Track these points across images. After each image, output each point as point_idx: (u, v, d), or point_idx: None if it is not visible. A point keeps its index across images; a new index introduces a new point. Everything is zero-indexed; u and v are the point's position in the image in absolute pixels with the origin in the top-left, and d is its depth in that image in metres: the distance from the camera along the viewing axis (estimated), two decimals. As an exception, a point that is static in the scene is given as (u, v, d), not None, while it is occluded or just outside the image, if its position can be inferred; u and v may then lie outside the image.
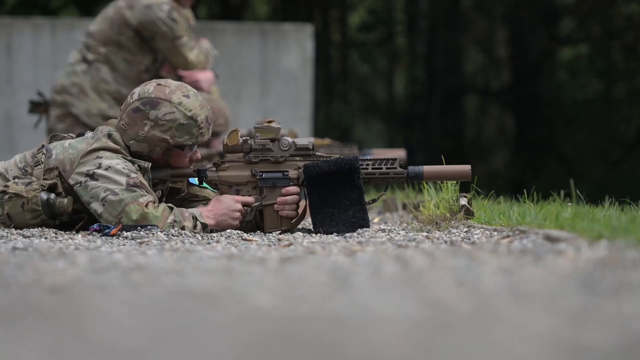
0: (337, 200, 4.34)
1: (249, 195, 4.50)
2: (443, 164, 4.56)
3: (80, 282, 2.63)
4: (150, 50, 6.91)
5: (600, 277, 2.51)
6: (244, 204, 4.47)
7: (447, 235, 4.10)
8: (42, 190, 4.31)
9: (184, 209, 4.36)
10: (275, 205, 4.47)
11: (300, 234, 4.27)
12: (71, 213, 4.36)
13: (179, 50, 6.85)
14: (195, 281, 2.64)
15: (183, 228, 4.27)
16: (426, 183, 4.96)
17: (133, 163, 4.38)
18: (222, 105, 7.35)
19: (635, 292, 2.32)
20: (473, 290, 2.41)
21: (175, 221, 4.27)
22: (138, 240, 3.93)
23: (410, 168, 4.44)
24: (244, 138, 4.50)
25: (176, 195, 4.61)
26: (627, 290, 2.33)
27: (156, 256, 3.32)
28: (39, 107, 7.05)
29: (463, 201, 4.69)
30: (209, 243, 3.88)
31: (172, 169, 4.51)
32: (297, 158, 4.48)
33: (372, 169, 4.44)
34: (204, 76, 7.08)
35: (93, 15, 13.78)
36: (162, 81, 4.49)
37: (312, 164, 4.38)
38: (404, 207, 6.30)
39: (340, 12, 21.51)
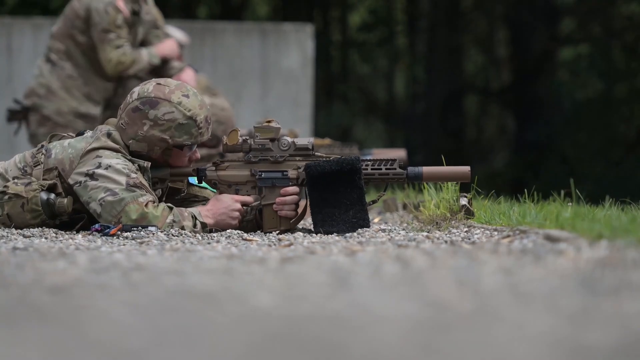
0: (338, 200, 4.34)
1: (248, 195, 4.49)
2: (443, 164, 4.56)
3: (81, 282, 2.63)
4: None
5: (600, 277, 2.51)
6: (243, 204, 4.47)
7: (448, 235, 4.10)
8: (42, 190, 4.31)
9: (183, 209, 4.36)
10: (274, 205, 4.46)
11: (301, 234, 4.27)
12: (71, 213, 4.36)
13: (102, 45, 6.83)
14: (195, 281, 2.64)
15: (183, 228, 4.27)
16: (426, 183, 4.96)
17: (133, 162, 4.37)
18: (231, 114, 7.42)
19: (635, 292, 2.32)
20: (473, 290, 2.41)
21: (174, 221, 4.27)
22: (138, 240, 3.93)
23: (410, 169, 4.44)
24: (244, 138, 4.50)
25: (176, 195, 4.61)
26: (627, 290, 2.33)
27: (156, 256, 3.32)
28: (17, 114, 7.03)
29: (463, 201, 4.69)
30: (209, 243, 3.88)
31: (172, 168, 4.51)
32: (297, 158, 4.48)
33: (372, 169, 4.44)
34: (187, 77, 7.07)
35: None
36: (161, 80, 4.49)
37: (314, 164, 4.38)
38: (404, 207, 6.30)
39: (340, 12, 21.51)
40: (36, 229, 4.24)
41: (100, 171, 4.30)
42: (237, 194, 4.49)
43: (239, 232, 4.30)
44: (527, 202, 4.76)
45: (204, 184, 4.60)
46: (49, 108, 6.85)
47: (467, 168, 4.47)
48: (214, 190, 4.57)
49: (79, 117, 6.87)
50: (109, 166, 4.31)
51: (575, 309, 2.13)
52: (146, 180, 4.39)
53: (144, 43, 7.06)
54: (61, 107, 6.85)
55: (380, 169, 4.44)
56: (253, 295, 2.38)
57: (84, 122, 6.88)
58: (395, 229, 4.48)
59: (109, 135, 4.41)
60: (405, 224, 5.05)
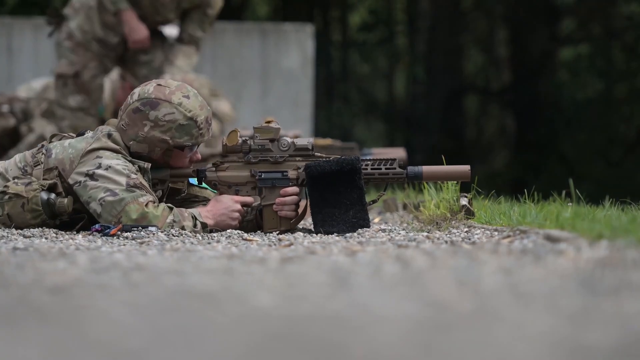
0: (338, 200, 4.34)
1: (248, 196, 4.49)
2: (443, 164, 4.56)
3: (81, 282, 2.63)
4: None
5: (600, 277, 2.51)
6: (243, 204, 4.47)
7: (448, 235, 4.09)
8: (42, 190, 4.31)
9: (183, 209, 4.36)
10: (274, 206, 4.46)
11: (301, 234, 4.27)
12: (71, 213, 4.36)
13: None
14: (195, 281, 2.64)
15: (183, 228, 4.27)
16: (426, 183, 4.96)
17: (133, 164, 4.38)
18: (234, 116, 7.52)
19: (635, 292, 2.32)
20: (473, 290, 2.41)
21: (174, 221, 4.27)
22: (138, 240, 3.93)
23: (410, 168, 4.44)
24: (244, 138, 4.50)
25: (176, 196, 4.61)
26: (627, 290, 2.33)
27: (156, 256, 3.32)
28: (54, 19, 7.28)
29: (463, 201, 4.69)
30: (209, 243, 3.88)
31: (172, 169, 4.51)
32: (297, 158, 4.48)
33: (372, 169, 4.44)
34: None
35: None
36: (162, 81, 4.49)
37: (314, 164, 4.38)
38: (405, 207, 6.30)
39: (340, 12, 21.52)
40: (36, 229, 4.24)
41: (100, 172, 4.30)
42: (237, 194, 4.49)
43: (239, 232, 4.30)
44: (527, 202, 4.76)
45: (204, 185, 4.61)
46: (74, 22, 7.09)
47: (466, 167, 4.47)
48: (215, 191, 4.57)
49: (97, 40, 7.06)
50: (109, 167, 4.31)
51: (575, 309, 2.13)
52: (146, 181, 4.39)
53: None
54: (83, 24, 7.06)
55: (380, 168, 4.44)
56: (253, 295, 2.38)
57: (100, 47, 7.06)
58: (395, 229, 4.48)
59: (109, 135, 4.41)
60: (406, 224, 5.05)
